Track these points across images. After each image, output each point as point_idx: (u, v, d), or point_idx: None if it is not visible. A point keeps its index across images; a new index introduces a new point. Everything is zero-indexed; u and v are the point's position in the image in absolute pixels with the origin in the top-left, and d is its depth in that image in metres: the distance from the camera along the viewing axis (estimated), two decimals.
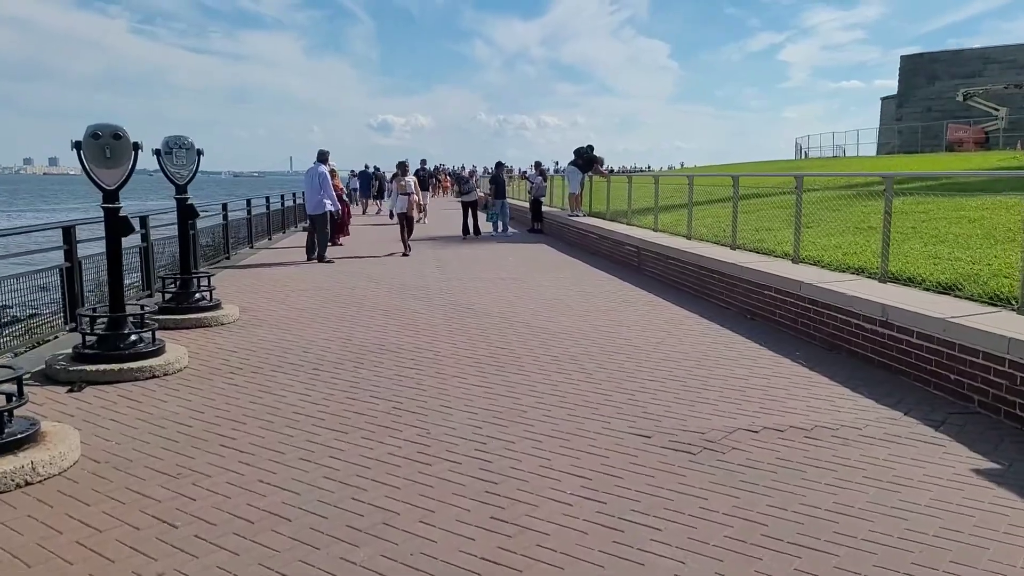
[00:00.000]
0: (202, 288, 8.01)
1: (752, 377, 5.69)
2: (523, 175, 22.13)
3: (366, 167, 28.12)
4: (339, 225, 16.34)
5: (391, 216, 17.18)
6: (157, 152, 7.66)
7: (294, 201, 21.22)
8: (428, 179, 25.36)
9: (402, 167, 14.51)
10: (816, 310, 6.67)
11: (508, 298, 9.25)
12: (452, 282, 10.64)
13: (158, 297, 8.20)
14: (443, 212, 24.42)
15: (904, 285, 6.55)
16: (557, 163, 24.28)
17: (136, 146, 5.84)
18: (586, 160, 17.53)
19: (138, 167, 5.90)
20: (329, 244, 15.74)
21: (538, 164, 20.89)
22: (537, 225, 19.57)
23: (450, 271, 11.91)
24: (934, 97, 50.73)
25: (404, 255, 13.59)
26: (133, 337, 5.93)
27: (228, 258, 13.54)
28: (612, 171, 19.19)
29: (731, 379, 5.63)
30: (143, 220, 9.29)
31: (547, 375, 5.77)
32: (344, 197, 17.55)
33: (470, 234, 17.92)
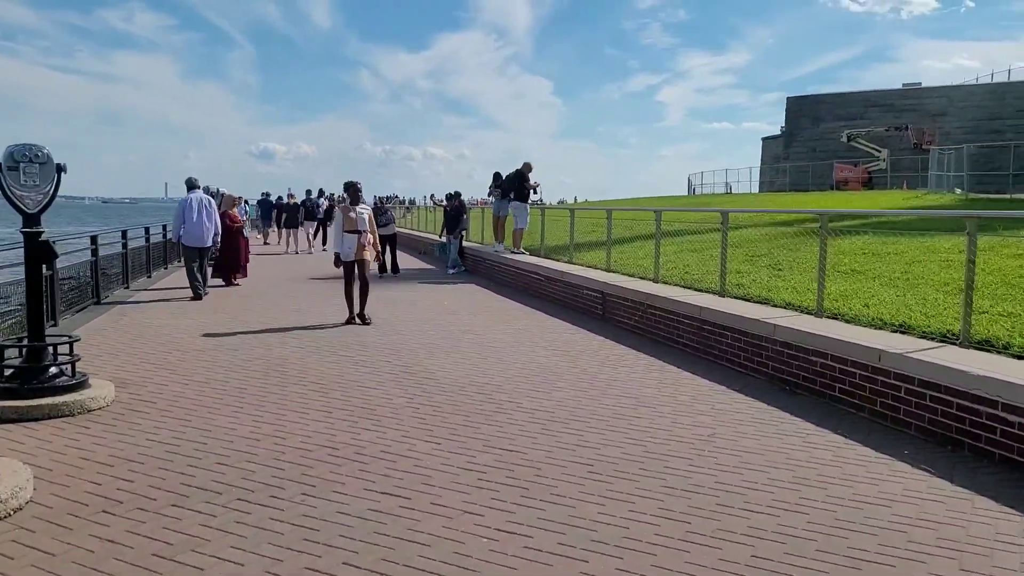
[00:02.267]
0: (60, 359, 5.71)
1: (899, 501, 3.99)
2: (437, 203, 20.13)
3: (265, 195, 25.44)
4: (236, 263, 13.95)
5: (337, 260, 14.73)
6: None
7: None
8: (314, 209, 23.73)
9: (353, 191, 9.72)
10: (912, 390, 5.12)
11: (472, 360, 7.36)
12: (393, 336, 8.63)
13: None
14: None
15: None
16: (462, 192, 22.56)
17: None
18: (518, 184, 15.75)
19: None
20: (229, 283, 13.46)
21: (457, 194, 19.06)
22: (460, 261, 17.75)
23: (385, 321, 9.89)
24: (819, 138, 52.62)
25: (352, 321, 9.55)
26: None
27: (98, 302, 10.96)
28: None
29: (872, 505, 3.96)
30: None
31: (601, 505, 3.90)
32: (243, 230, 15.13)
33: (387, 272, 15.86)
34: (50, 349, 5.66)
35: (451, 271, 16.78)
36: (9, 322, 7.68)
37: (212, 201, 12.63)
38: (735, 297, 8.43)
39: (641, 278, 10.62)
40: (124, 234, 13.08)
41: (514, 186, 15.85)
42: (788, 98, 56.28)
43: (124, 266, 12.99)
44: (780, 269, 10.13)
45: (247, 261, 14.48)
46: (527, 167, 16.05)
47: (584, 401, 5.88)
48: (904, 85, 55.21)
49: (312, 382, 6.42)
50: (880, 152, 46.18)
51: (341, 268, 9.66)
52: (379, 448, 4.73)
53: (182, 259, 12.59)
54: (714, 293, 8.76)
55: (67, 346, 5.80)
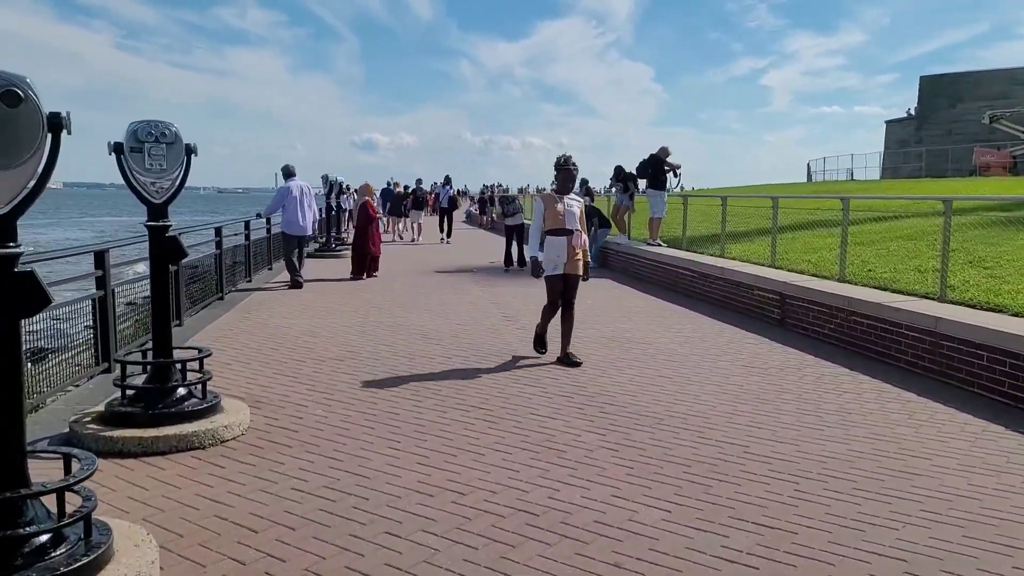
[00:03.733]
0: (189, 377, 4.82)
1: None
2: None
3: (389, 183, 24.86)
4: (373, 256, 13.42)
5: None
6: (117, 148, 4.49)
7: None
8: (424, 198, 23.42)
9: (565, 175, 6.80)
10: None
11: (654, 379, 6.12)
12: (549, 344, 7.49)
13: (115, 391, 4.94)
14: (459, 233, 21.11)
15: None
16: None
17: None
18: (653, 170, 14.37)
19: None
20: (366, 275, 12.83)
21: (584, 182, 17.83)
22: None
23: (518, 316, 8.78)
24: (956, 120, 48.50)
25: (557, 360, 6.75)
26: None
27: (222, 298, 10.32)
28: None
29: None
30: (99, 257, 6.08)
31: None
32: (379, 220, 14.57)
33: (513, 265, 14.79)
34: (178, 365, 4.77)
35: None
36: (128, 324, 6.94)
37: (311, 189, 12.26)
38: (958, 303, 6.87)
39: (814, 275, 9.12)
40: (247, 225, 12.47)
41: (648, 172, 14.51)
42: (921, 77, 52.16)
43: (248, 258, 12.41)
44: (988, 267, 8.44)
45: (378, 252, 13.81)
46: (664, 151, 14.62)
47: (830, 446, 4.53)
48: None
49: (474, 407, 5.33)
50: None
51: (542, 280, 6.88)
52: (590, 515, 3.55)
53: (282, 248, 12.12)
54: (931, 298, 7.22)
55: (198, 361, 4.91)
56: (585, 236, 6.74)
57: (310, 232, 12.20)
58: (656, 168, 14.36)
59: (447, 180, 21.57)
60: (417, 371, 6.39)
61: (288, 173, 12.17)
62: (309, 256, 17.14)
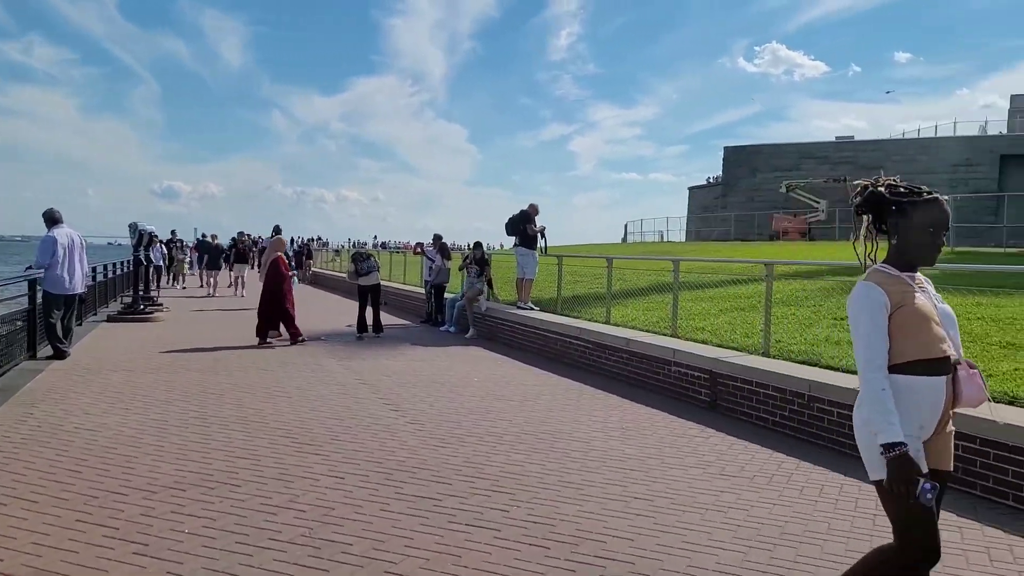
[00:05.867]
0: None
1: None
2: (417, 249, 17.11)
3: (205, 235, 22.07)
4: (288, 315, 11.93)
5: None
6: None
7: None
8: (248, 250, 22.35)
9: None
10: None
11: (617, 507, 4.59)
12: (460, 448, 5.77)
13: None
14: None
15: None
16: (375, 236, 20.23)
17: None
18: (523, 227, 13.23)
19: None
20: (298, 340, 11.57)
21: (438, 237, 16.27)
22: (440, 317, 14.95)
23: (404, 406, 7.01)
24: (756, 188, 52.43)
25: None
26: None
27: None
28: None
29: None
30: None
31: None
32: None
33: (368, 331, 12.85)
34: None
35: (451, 329, 13.91)
36: None
37: (81, 239, 10.24)
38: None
39: (729, 347, 8.16)
40: (32, 284, 9.70)
41: (518, 230, 13.33)
42: (725, 148, 56.17)
43: (31, 324, 9.63)
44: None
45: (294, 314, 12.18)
46: (533, 208, 13.55)
47: None
48: (837, 138, 56.09)
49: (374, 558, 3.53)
50: (819, 203, 46.05)
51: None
52: None
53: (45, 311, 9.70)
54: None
55: None
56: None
57: (80, 290, 10.21)
58: (525, 225, 13.24)
59: (276, 231, 19.10)
60: (302, 505, 4.45)
61: (52, 219, 9.89)
62: (114, 320, 14.25)
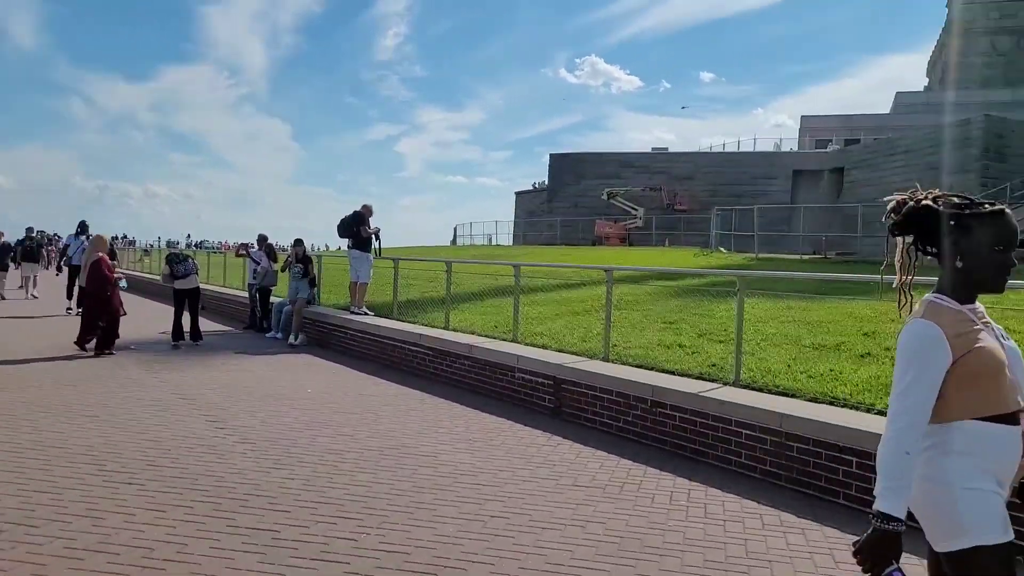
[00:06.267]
0: None
1: None
2: (241, 250, 15.84)
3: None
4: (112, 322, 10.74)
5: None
6: None
7: None
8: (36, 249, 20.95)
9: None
10: None
11: (486, 521, 4.39)
12: (263, 458, 5.30)
13: None
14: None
15: None
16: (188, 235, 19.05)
17: None
18: (356, 229, 12.74)
19: None
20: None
21: (264, 238, 15.29)
22: (266, 323, 14.09)
23: (231, 423, 6.40)
24: (581, 194, 54.44)
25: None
26: None
27: None
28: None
29: None
30: None
31: None
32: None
33: (184, 339, 11.80)
34: None
35: (278, 336, 13.11)
36: None
37: None
38: (749, 387, 6.35)
39: (570, 352, 8.24)
40: None
41: (351, 231, 12.83)
42: (551, 155, 57.81)
43: None
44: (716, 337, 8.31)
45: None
46: (367, 209, 13.10)
47: None
48: (653, 149, 59.40)
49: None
50: (637, 211, 48.60)
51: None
52: None
53: None
54: (728, 383, 6.61)
55: None
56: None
57: None
58: (358, 227, 12.75)
59: (82, 228, 17.10)
60: (115, 548, 3.84)
61: None
62: None
